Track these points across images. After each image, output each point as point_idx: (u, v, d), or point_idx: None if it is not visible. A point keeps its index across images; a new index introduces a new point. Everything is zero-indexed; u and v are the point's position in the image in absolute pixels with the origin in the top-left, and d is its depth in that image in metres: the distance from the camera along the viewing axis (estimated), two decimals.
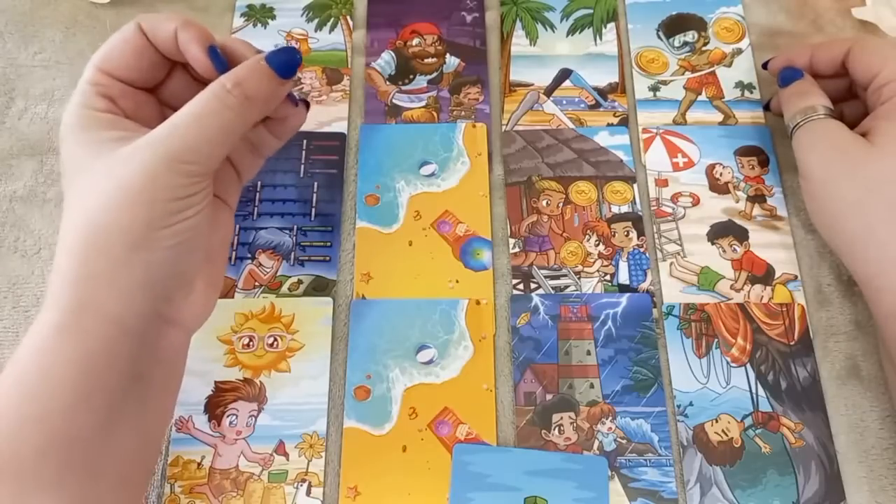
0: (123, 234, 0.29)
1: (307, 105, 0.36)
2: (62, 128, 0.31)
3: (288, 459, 0.37)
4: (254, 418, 0.38)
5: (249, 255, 0.42)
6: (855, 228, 0.36)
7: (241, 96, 0.31)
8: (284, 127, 0.36)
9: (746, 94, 0.46)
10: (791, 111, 0.40)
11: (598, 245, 0.42)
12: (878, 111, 0.38)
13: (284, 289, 0.41)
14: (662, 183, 0.44)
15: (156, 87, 0.34)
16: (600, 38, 0.48)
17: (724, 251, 0.42)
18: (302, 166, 0.44)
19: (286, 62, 0.32)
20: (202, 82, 0.33)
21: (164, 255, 0.29)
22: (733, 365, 0.39)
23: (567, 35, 0.49)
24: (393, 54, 0.48)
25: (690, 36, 0.48)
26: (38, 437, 0.27)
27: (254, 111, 0.32)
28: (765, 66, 0.44)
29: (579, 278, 0.41)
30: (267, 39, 0.48)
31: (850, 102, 0.42)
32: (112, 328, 0.29)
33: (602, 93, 0.47)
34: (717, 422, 0.37)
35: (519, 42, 0.48)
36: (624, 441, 0.37)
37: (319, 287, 0.41)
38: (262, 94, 0.31)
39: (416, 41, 0.48)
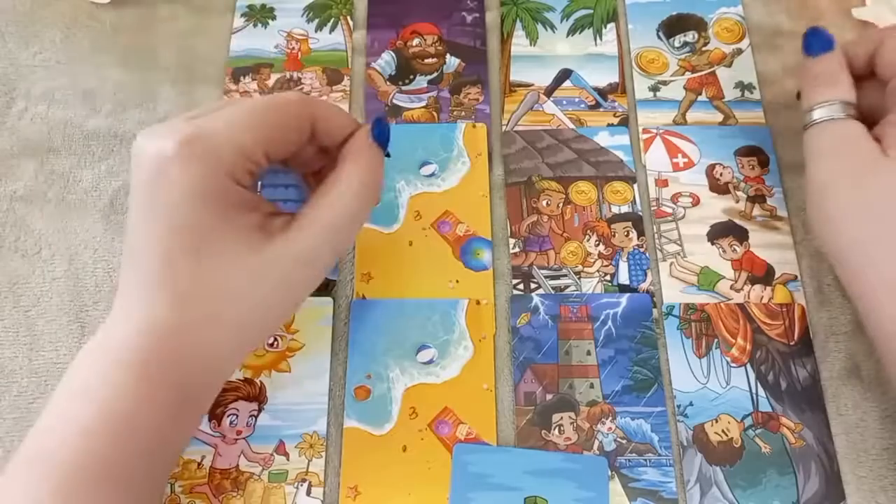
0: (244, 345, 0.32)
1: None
2: (188, 174, 0.28)
3: (288, 459, 0.37)
4: (254, 418, 0.38)
5: None
6: (851, 241, 0.35)
7: (376, 190, 0.34)
8: None
9: (746, 94, 0.46)
10: (810, 100, 0.37)
11: (598, 245, 0.42)
12: (892, 116, 0.36)
13: None
14: (662, 183, 0.44)
15: None
16: (600, 39, 0.48)
17: (724, 251, 0.42)
18: None
19: (386, 138, 0.34)
20: (327, 152, 0.34)
21: None
22: (733, 365, 0.39)
23: (567, 35, 0.49)
24: (393, 54, 0.48)
25: (690, 36, 0.48)
26: (108, 449, 0.27)
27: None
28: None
29: (579, 278, 0.41)
30: (267, 39, 0.48)
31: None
32: (183, 402, 0.30)
33: (602, 93, 0.47)
34: (717, 422, 0.38)
35: (519, 42, 0.48)
36: (624, 441, 0.37)
37: (319, 287, 0.41)
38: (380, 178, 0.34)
39: (416, 41, 0.48)
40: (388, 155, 0.35)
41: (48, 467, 0.27)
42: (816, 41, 0.37)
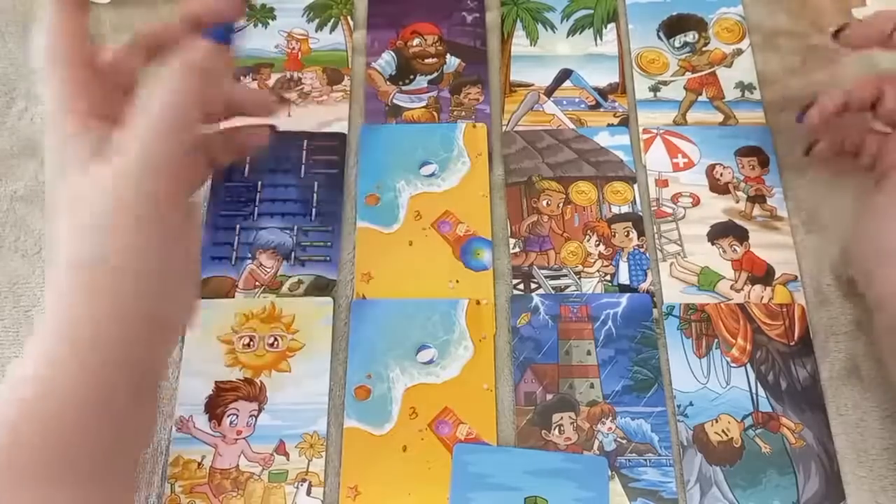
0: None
1: (273, 128, 0.39)
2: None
3: (288, 459, 0.37)
4: (254, 418, 0.38)
5: (250, 255, 0.42)
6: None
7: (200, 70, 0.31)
8: (244, 142, 0.39)
9: (747, 94, 0.46)
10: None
11: (598, 245, 0.42)
12: None
13: (285, 289, 0.41)
14: (663, 183, 0.44)
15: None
16: (601, 39, 0.48)
17: (725, 251, 0.42)
18: (302, 166, 0.44)
19: (221, 29, 0.32)
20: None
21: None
22: (733, 365, 0.39)
23: (567, 35, 0.49)
24: (393, 54, 0.48)
25: (691, 36, 0.48)
26: (37, 438, 0.27)
27: (206, 82, 0.31)
28: (799, 119, 0.41)
29: (579, 278, 0.41)
30: (267, 39, 0.48)
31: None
32: (114, 371, 0.29)
33: (602, 93, 0.47)
34: (717, 422, 0.38)
35: (519, 42, 0.48)
36: (624, 441, 0.37)
37: (320, 287, 0.41)
38: (209, 64, 0.31)
39: (416, 41, 0.48)
40: (229, 42, 0.33)
41: None
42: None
